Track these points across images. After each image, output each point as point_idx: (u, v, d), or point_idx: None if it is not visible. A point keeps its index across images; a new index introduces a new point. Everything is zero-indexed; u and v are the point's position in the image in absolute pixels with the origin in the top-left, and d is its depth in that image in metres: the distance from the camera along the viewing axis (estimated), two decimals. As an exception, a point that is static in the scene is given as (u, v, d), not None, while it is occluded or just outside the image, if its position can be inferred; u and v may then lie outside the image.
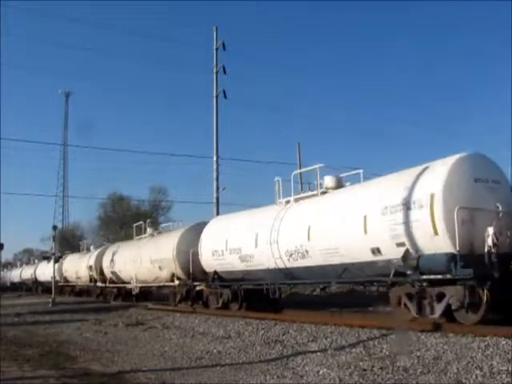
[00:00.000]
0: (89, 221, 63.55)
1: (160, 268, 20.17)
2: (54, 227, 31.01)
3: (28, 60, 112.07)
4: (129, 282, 24.01)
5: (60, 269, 35.71)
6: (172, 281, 19.32)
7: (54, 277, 29.44)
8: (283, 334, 10.57)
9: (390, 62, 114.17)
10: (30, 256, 70.12)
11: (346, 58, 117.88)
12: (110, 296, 27.44)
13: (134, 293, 23.46)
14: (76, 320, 17.32)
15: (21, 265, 61.80)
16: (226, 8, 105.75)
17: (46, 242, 64.66)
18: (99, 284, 28.49)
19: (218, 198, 28.62)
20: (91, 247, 35.55)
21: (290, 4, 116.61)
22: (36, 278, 45.20)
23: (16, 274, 57.72)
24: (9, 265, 69.14)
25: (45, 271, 39.70)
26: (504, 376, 6.22)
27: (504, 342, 7.58)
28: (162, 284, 20.74)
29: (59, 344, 11.88)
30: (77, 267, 33.08)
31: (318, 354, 8.46)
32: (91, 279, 29.74)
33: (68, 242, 56.11)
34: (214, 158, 29.23)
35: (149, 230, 24.73)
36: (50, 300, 25.39)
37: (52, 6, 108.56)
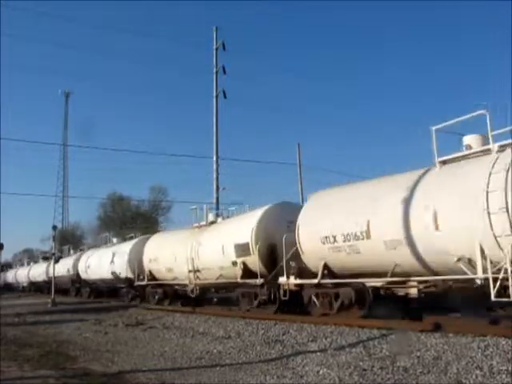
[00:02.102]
0: (89, 221, 63.95)
1: None
2: (54, 227, 31.04)
3: (28, 60, 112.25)
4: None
5: (139, 261, 22.35)
6: None
7: (54, 276, 29.30)
8: (283, 334, 10.57)
9: (390, 62, 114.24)
10: (30, 256, 69.73)
11: (346, 57, 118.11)
12: (327, 305, 12.27)
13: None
14: (76, 320, 17.31)
15: (26, 263, 56.73)
16: (226, 8, 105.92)
17: (46, 242, 64.69)
18: (290, 280, 13.17)
19: (218, 198, 28.65)
20: (210, 215, 19.55)
21: (290, 4, 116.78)
22: (79, 276, 32.37)
23: (39, 272, 44.34)
24: (20, 262, 66.10)
25: (100, 263, 27.92)
26: (504, 376, 6.22)
27: (504, 342, 7.59)
28: None
29: (59, 344, 11.87)
30: (185, 254, 18.30)
31: (318, 353, 8.45)
32: (245, 273, 15.17)
33: (68, 242, 56.08)
34: (214, 158, 29.26)
35: None
36: (50, 300, 25.41)
37: (52, 6, 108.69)
